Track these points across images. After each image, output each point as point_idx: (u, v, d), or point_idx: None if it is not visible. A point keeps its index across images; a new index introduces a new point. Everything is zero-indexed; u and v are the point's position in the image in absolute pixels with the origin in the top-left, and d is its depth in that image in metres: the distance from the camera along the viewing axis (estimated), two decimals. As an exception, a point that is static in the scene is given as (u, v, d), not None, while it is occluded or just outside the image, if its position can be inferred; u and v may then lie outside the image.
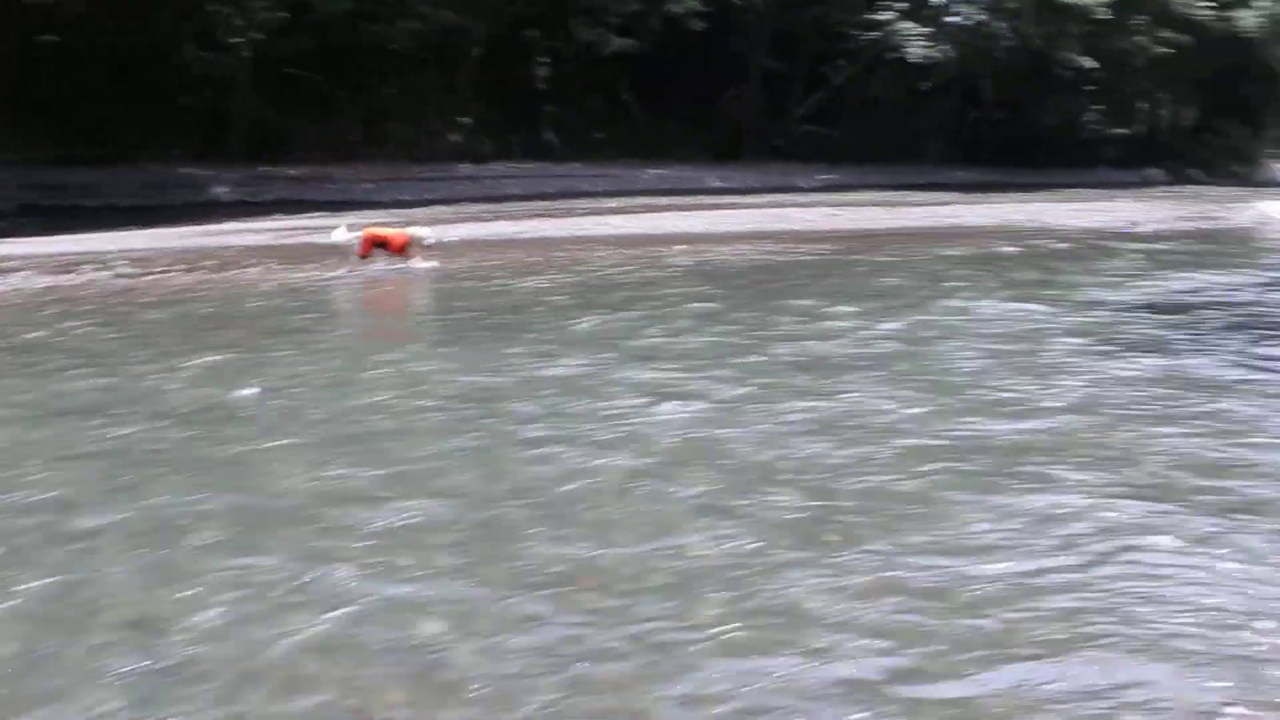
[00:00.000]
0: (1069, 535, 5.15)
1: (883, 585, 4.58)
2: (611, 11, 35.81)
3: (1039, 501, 5.60)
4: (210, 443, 6.61)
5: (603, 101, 38.33)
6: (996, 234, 22.74)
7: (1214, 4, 45.07)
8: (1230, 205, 31.87)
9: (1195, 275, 15.59)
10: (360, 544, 5.02)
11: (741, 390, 7.95)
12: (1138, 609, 4.41)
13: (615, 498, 5.69)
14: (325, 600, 4.48)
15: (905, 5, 40.06)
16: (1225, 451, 6.46)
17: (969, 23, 40.66)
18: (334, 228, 15.99)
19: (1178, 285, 14.49)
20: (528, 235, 20.73)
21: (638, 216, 25.03)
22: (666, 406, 7.39)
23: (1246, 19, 45.99)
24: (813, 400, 7.66)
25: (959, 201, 31.81)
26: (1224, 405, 7.58)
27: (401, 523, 5.28)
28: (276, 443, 6.58)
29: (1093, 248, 20.45)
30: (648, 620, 4.31)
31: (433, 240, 15.68)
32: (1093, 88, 46.06)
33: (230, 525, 5.26)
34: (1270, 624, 4.24)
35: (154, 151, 29.49)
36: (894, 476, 6.00)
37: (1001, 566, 4.79)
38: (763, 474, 6.07)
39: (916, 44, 39.61)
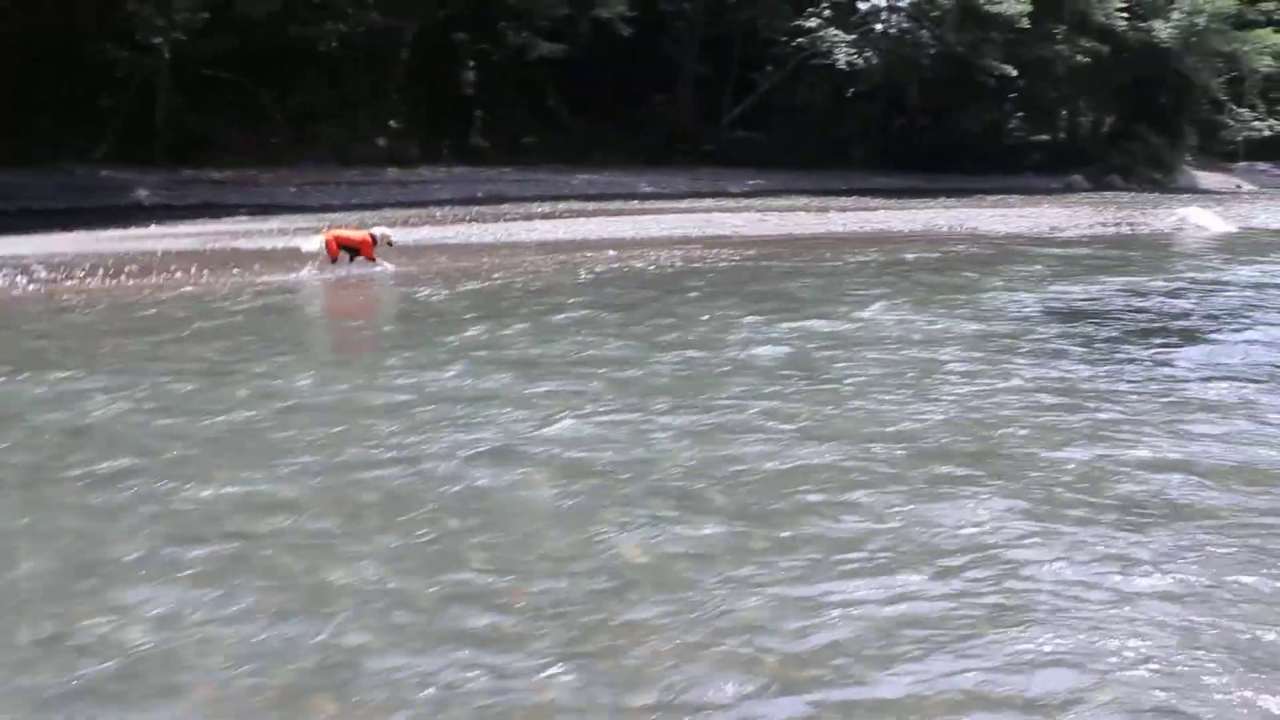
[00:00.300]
0: (941, 549, 5.10)
1: (748, 607, 4.52)
2: (540, 15, 35.78)
3: (916, 515, 5.53)
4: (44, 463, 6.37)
5: (532, 106, 38.30)
6: (921, 239, 23.02)
7: (1131, 15, 46.07)
8: (1152, 211, 32.36)
9: (1110, 281, 15.76)
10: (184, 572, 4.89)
11: (624, 402, 7.73)
12: (1015, 621, 4.39)
13: (471, 514, 5.58)
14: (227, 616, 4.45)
15: (832, 13, 40.50)
16: (1104, 463, 6.40)
17: (894, 30, 41.24)
18: (263, 231, 15.88)
19: (1091, 291, 14.62)
20: (454, 240, 20.63)
21: (566, 221, 25.02)
22: (541, 418, 7.24)
23: (1162, 30, 47.01)
24: (693, 414, 7.46)
25: (886, 207, 32.14)
26: (1107, 415, 7.50)
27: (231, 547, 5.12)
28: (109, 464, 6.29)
29: (1015, 253, 20.72)
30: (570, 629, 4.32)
31: (396, 240, 15.89)
32: (1015, 95, 46.83)
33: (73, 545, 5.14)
34: (1144, 635, 4.28)
35: (74, 153, 28.99)
36: (765, 493, 5.87)
37: (871, 582, 4.72)
38: (627, 486, 5.95)
39: (843, 51, 40.06)
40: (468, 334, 10.69)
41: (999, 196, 37.71)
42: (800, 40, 40.36)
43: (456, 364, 9.12)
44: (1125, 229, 28.02)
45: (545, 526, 5.41)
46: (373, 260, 15.35)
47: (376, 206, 28.23)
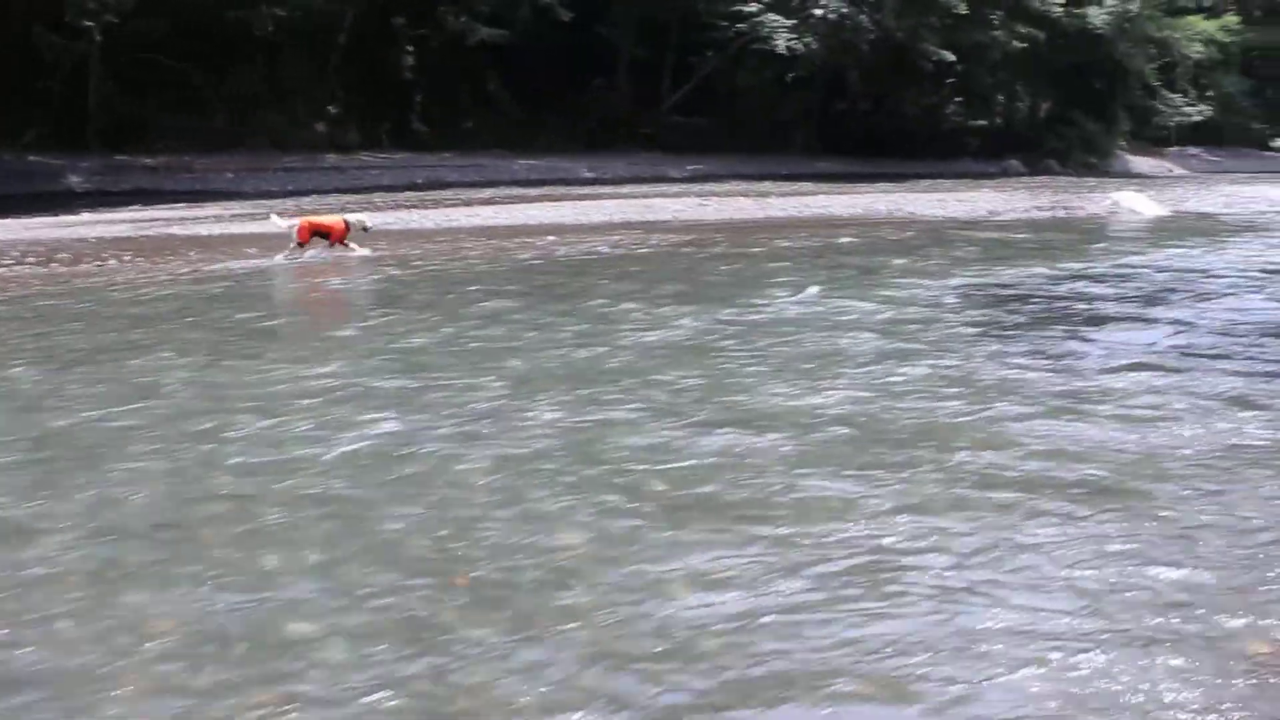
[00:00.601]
0: (812, 560, 4.92)
1: (679, 591, 4.52)
2: (479, 0, 35.60)
3: (785, 523, 5.35)
4: None
5: (472, 91, 38.09)
6: (859, 224, 23.18)
7: (1067, 1, 46.66)
8: (1087, 195, 32.74)
9: (1042, 265, 15.91)
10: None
11: (489, 404, 7.42)
12: (892, 641, 4.29)
13: (394, 504, 5.54)
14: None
15: (771, -3, 40.62)
16: (996, 450, 6.38)
17: (833, 15, 41.36)
18: (199, 218, 15.83)
19: (1020, 275, 14.70)
20: (394, 226, 20.49)
21: (508, 207, 24.94)
22: (390, 419, 7.02)
23: (1096, 16, 47.65)
24: (604, 403, 7.37)
25: (826, 192, 32.29)
26: (1006, 403, 7.43)
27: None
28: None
29: (951, 237, 20.92)
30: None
31: (371, 226, 16.15)
32: (953, 80, 47.23)
33: None
34: (1031, 622, 4.32)
35: (3, 139, 28.44)
36: (627, 502, 5.59)
37: (734, 597, 4.57)
38: (538, 475, 5.89)
39: (782, 36, 40.14)
40: (386, 323, 10.66)
41: (937, 181, 38.06)
42: (740, 25, 40.42)
43: (317, 360, 8.93)
44: (1060, 213, 28.37)
45: (469, 514, 5.43)
46: (344, 245, 15.59)
47: (315, 193, 28.00)
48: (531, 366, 8.64)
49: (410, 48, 36.20)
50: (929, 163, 42.86)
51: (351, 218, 16.07)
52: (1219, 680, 3.99)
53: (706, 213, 25.10)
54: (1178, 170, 53.24)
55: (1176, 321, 11.28)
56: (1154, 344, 9.97)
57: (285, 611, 4.38)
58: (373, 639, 4.15)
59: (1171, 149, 57.57)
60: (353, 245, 15.64)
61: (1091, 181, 41.07)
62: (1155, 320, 11.42)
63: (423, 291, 12.95)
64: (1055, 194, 34.32)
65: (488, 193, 29.33)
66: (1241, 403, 7.63)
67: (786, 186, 33.49)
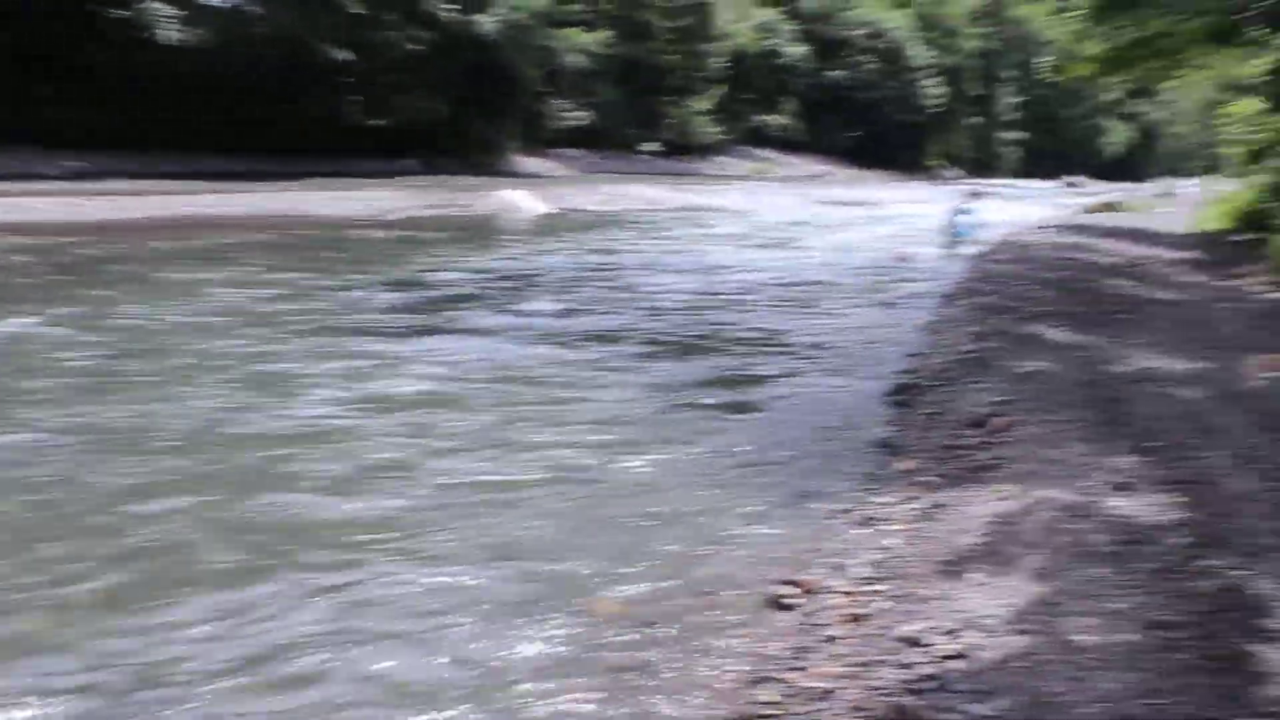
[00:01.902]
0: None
1: None
2: None
3: None
4: None
5: None
6: (237, 224, 23.06)
7: (459, 7, 48.74)
8: (477, 193, 34.47)
9: (382, 268, 16.57)
10: None
11: None
12: None
13: None
14: None
15: (158, -15, 38.80)
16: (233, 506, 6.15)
17: (225, 6, 40.30)
18: None
19: (371, 279, 15.36)
20: None
21: None
22: None
23: (485, 23, 50.28)
24: None
25: (219, 190, 31.53)
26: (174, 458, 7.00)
27: None
28: None
29: (324, 238, 21.37)
30: None
31: None
32: (353, 79, 47.67)
33: None
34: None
35: None
36: None
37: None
38: None
39: (170, 26, 38.55)
40: None
41: (338, 180, 38.35)
42: (124, 13, 38.19)
43: None
44: (451, 211, 29.81)
45: None
46: None
47: None
48: None
49: None
50: (328, 161, 43.03)
51: None
52: (572, 638, 4.64)
53: (84, 213, 23.72)
54: (563, 171, 57.43)
55: (472, 329, 11.86)
56: (464, 353, 10.43)
57: None
58: None
59: (557, 151, 61.81)
60: None
61: (483, 181, 43.02)
62: (454, 327, 12.06)
63: None
64: (447, 193, 35.81)
65: None
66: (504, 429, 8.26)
67: (180, 185, 32.32)
